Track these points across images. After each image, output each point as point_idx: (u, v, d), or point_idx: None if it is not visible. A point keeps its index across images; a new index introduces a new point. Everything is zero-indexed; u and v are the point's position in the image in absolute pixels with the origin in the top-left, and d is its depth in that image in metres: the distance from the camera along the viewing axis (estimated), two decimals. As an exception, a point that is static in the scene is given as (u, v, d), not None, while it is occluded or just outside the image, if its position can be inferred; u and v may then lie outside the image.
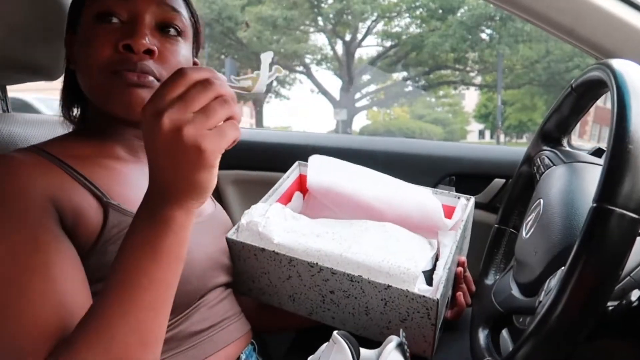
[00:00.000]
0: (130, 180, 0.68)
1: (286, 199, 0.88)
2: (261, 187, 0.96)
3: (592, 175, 0.65)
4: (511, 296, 0.64)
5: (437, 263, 0.73)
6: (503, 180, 1.09)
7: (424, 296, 0.64)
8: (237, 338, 0.73)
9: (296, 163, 0.92)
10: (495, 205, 1.08)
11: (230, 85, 0.50)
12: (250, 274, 0.77)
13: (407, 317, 0.67)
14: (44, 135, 0.88)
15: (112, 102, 0.65)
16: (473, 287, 0.83)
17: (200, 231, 0.70)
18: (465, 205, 0.82)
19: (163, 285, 0.50)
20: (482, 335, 0.66)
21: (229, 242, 0.75)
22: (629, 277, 0.52)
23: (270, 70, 0.54)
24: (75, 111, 0.77)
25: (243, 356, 0.73)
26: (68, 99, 0.76)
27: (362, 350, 0.54)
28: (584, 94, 0.69)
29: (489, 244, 0.83)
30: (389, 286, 0.66)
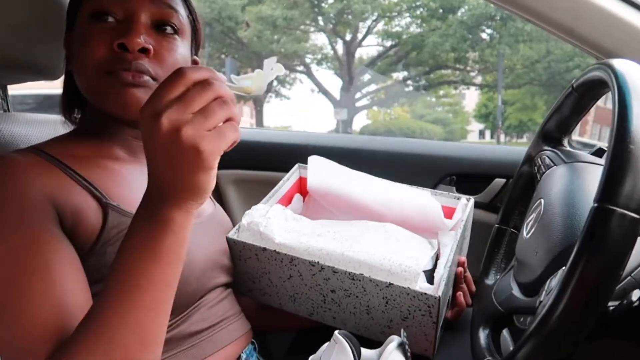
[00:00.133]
0: (129, 181, 0.68)
1: (286, 201, 0.88)
2: (261, 187, 0.96)
3: (593, 175, 0.65)
4: (512, 296, 0.64)
5: (438, 262, 0.73)
6: (504, 180, 1.09)
7: (425, 293, 0.64)
8: (237, 338, 0.73)
9: (296, 166, 0.92)
10: (495, 205, 1.08)
11: (229, 86, 0.49)
12: (251, 274, 0.77)
13: (408, 316, 0.67)
14: (45, 134, 0.88)
15: (108, 102, 0.65)
16: (473, 287, 0.83)
17: (200, 232, 0.70)
18: (465, 206, 0.82)
19: (163, 285, 0.50)
20: (482, 335, 0.66)
21: (230, 242, 0.75)
22: (629, 277, 0.52)
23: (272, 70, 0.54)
24: (76, 111, 0.77)
25: (243, 356, 0.73)
26: (68, 99, 0.76)
27: (363, 350, 0.54)
28: (585, 94, 0.69)
29: (490, 244, 0.83)
30: (390, 284, 0.66)
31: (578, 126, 0.79)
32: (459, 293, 0.80)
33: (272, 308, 0.79)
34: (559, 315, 0.46)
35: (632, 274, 0.52)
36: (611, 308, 0.49)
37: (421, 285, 0.67)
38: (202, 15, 0.77)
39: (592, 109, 0.73)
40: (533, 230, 0.65)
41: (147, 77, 0.64)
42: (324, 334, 0.60)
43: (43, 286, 0.52)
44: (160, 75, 0.65)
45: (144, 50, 0.64)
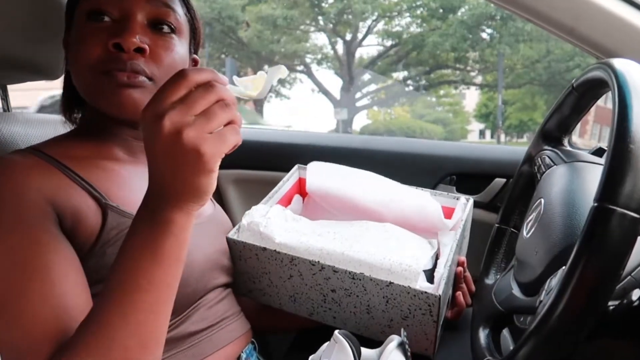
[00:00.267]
0: (129, 182, 0.67)
1: (286, 201, 0.88)
2: (262, 187, 0.96)
3: (593, 174, 0.65)
4: (512, 295, 0.64)
5: (438, 261, 0.73)
6: (504, 180, 1.09)
7: (426, 292, 0.64)
8: (237, 337, 0.73)
9: (296, 167, 0.92)
10: (496, 205, 1.08)
11: (231, 89, 0.49)
12: (251, 274, 0.77)
13: (408, 315, 0.67)
14: (46, 134, 0.88)
15: (104, 102, 0.65)
16: (473, 287, 0.83)
17: (200, 232, 0.70)
18: (464, 206, 0.82)
19: (163, 286, 0.50)
20: (482, 335, 0.66)
21: (230, 242, 0.75)
22: (629, 277, 0.52)
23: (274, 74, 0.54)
24: (76, 111, 0.77)
25: (243, 355, 0.73)
26: (68, 99, 0.76)
27: (363, 350, 0.54)
28: (585, 94, 0.69)
29: (490, 244, 0.83)
30: (390, 283, 0.66)
31: (578, 126, 0.78)
32: (459, 293, 0.80)
33: (271, 308, 0.79)
34: (559, 314, 0.46)
35: (632, 274, 0.52)
36: (611, 307, 0.49)
37: (421, 284, 0.67)
38: (203, 15, 0.76)
39: (592, 109, 0.73)
40: (533, 229, 0.65)
41: (142, 78, 0.64)
42: (324, 334, 0.60)
43: (43, 287, 0.52)
44: (157, 75, 0.65)
45: (140, 50, 0.63)
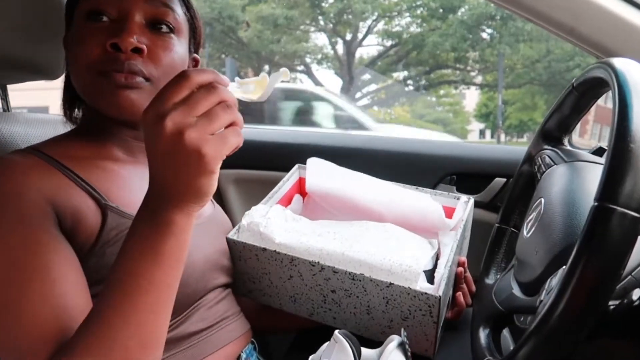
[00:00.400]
0: (129, 183, 0.67)
1: (286, 201, 0.88)
2: (262, 187, 0.96)
3: (593, 174, 0.65)
4: (512, 295, 0.64)
5: (438, 262, 0.73)
6: (504, 180, 1.08)
7: (426, 293, 0.64)
8: (237, 337, 0.73)
9: (296, 166, 0.92)
10: (496, 205, 1.08)
11: (232, 91, 0.49)
12: (251, 274, 0.76)
13: (409, 316, 0.67)
14: (45, 134, 0.88)
15: (101, 103, 0.65)
16: (473, 288, 0.83)
17: (199, 233, 0.70)
18: (464, 205, 0.82)
19: (164, 287, 0.50)
20: (483, 335, 0.66)
21: (230, 242, 0.75)
22: (630, 276, 0.52)
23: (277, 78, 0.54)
24: (77, 111, 0.77)
25: (243, 355, 0.73)
26: (69, 98, 0.76)
27: (363, 350, 0.54)
28: (585, 93, 0.69)
29: (490, 244, 0.82)
30: (391, 284, 0.66)
31: (578, 126, 0.78)
32: (459, 293, 0.80)
33: (271, 308, 0.79)
34: (559, 314, 0.46)
35: (633, 273, 0.52)
36: (611, 307, 0.49)
37: (422, 285, 0.67)
38: (203, 15, 0.76)
39: (592, 109, 0.73)
40: (533, 229, 0.65)
41: (139, 78, 0.63)
42: (324, 334, 0.60)
43: (43, 287, 0.52)
44: (155, 75, 0.65)
45: (137, 50, 0.63)
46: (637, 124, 0.46)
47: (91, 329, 0.48)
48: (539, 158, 0.77)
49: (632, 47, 0.74)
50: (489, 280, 0.78)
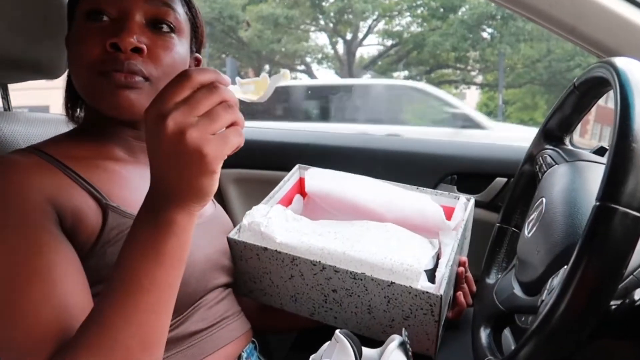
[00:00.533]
0: (129, 182, 0.67)
1: (287, 201, 0.88)
2: (262, 186, 0.96)
3: (594, 173, 0.65)
4: (513, 295, 0.64)
5: (439, 261, 0.73)
6: (505, 179, 1.08)
7: (427, 292, 0.64)
8: (237, 337, 0.73)
9: (296, 166, 0.92)
10: (497, 204, 1.08)
11: (233, 91, 0.49)
12: (252, 274, 0.76)
13: (410, 315, 0.67)
14: (46, 134, 0.88)
15: (101, 103, 0.65)
16: (474, 287, 0.83)
17: (200, 232, 0.70)
18: (465, 205, 0.82)
19: (165, 287, 0.50)
20: (484, 335, 0.66)
21: (231, 242, 0.75)
22: (632, 276, 0.51)
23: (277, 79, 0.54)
24: (79, 111, 0.77)
25: (244, 355, 0.73)
26: (70, 98, 0.76)
27: (364, 349, 0.54)
28: (587, 93, 0.69)
29: (491, 243, 0.82)
30: (392, 283, 0.66)
31: (579, 126, 0.78)
32: (460, 293, 0.80)
33: (272, 308, 0.79)
34: (560, 314, 0.46)
35: (634, 273, 0.52)
36: (613, 307, 0.49)
37: (423, 284, 0.67)
38: (203, 15, 0.76)
39: (593, 108, 0.73)
40: (534, 229, 0.65)
41: (139, 78, 0.63)
42: (325, 333, 0.60)
43: (44, 287, 0.52)
44: (155, 75, 0.65)
45: (137, 50, 0.63)
46: (639, 123, 0.46)
47: (92, 328, 0.48)
48: (540, 157, 0.77)
49: (634, 46, 0.74)
50: (490, 280, 0.78)
